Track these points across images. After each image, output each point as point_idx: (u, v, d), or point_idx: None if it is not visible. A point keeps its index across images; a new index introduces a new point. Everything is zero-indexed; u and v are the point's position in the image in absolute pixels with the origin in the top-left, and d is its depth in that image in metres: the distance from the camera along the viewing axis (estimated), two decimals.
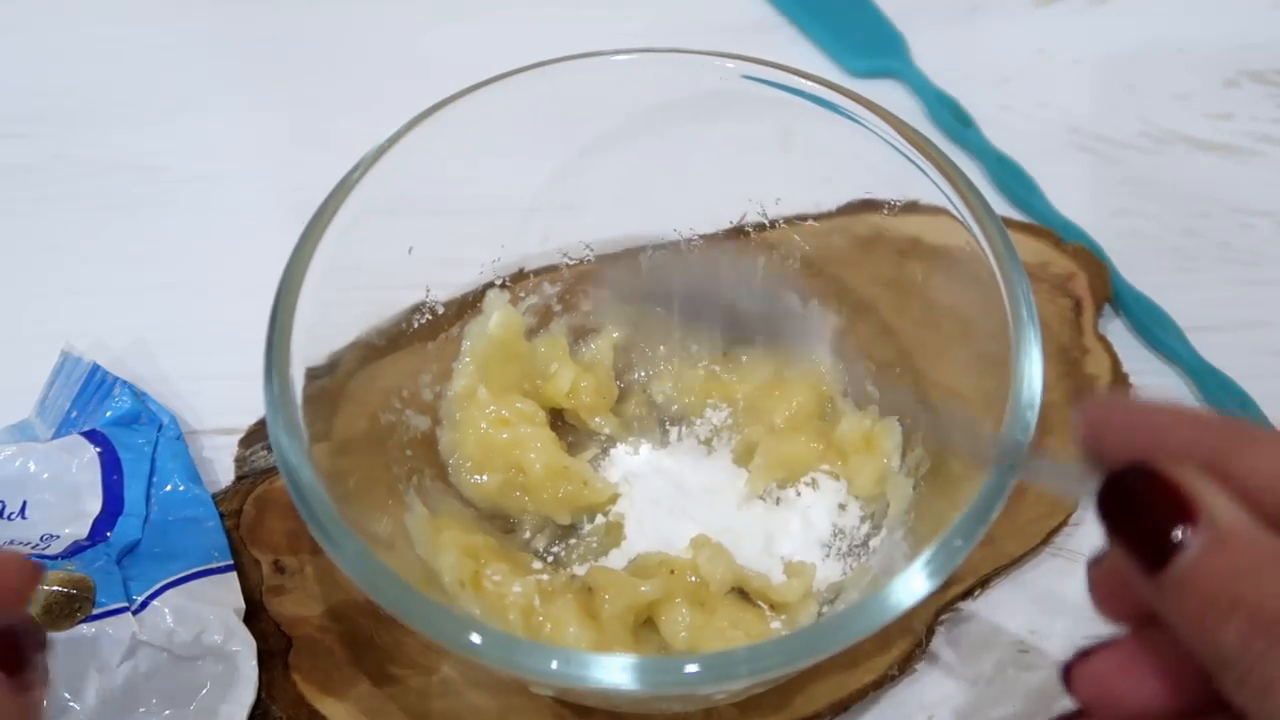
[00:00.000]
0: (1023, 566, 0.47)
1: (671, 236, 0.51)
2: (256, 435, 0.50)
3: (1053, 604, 0.47)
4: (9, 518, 0.46)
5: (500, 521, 0.47)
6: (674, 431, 0.50)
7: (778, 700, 0.43)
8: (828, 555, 0.46)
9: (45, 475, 0.46)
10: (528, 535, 0.47)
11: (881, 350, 0.47)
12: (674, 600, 0.42)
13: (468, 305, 0.49)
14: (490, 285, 0.49)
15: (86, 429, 0.48)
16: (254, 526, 0.46)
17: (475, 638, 0.32)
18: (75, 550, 0.45)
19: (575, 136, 0.48)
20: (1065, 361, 0.51)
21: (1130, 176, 0.62)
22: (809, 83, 0.44)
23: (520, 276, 0.50)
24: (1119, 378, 0.51)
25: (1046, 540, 0.47)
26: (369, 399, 0.44)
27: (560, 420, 0.50)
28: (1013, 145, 0.62)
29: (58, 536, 0.45)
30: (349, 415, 0.42)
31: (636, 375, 0.51)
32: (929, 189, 0.42)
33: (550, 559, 0.46)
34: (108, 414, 0.49)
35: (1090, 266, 0.55)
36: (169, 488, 0.48)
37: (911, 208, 0.43)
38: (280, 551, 0.46)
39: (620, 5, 0.69)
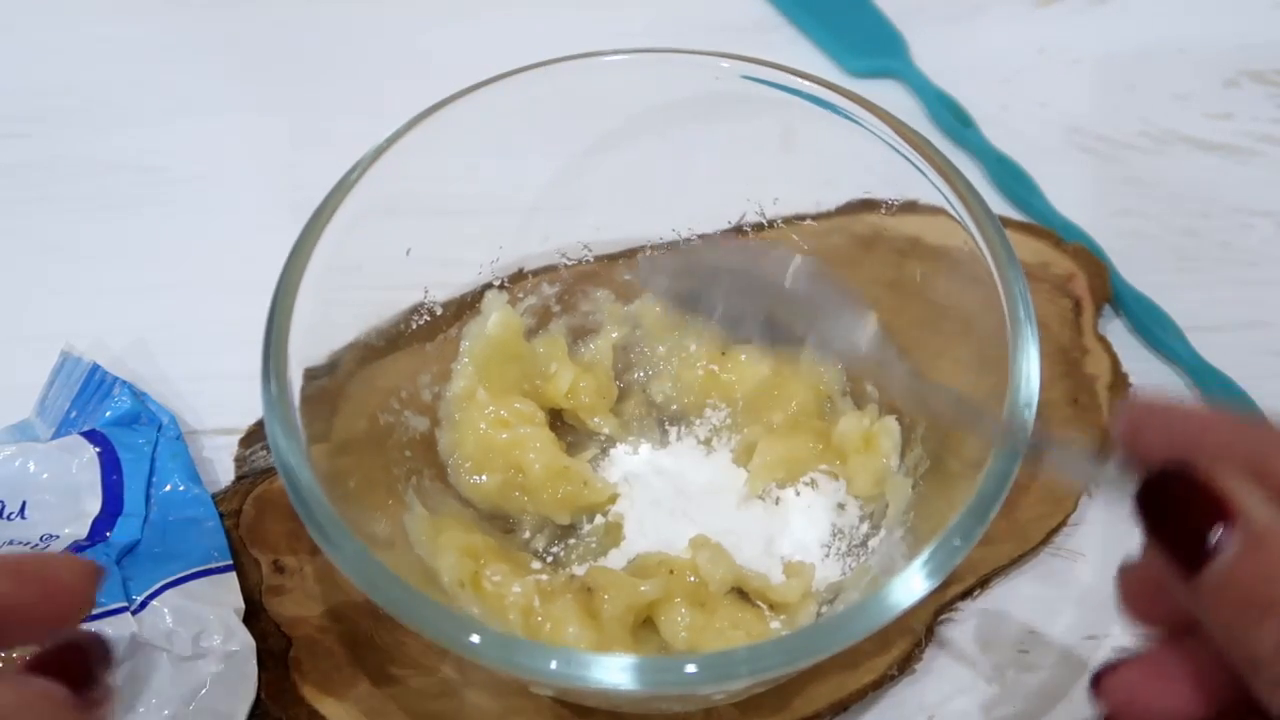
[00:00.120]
0: (1023, 566, 0.47)
1: (670, 237, 0.51)
2: (256, 435, 0.50)
3: (1053, 604, 0.47)
4: (9, 518, 0.46)
5: (500, 522, 0.47)
6: (673, 431, 0.50)
7: (777, 700, 0.43)
8: (827, 555, 0.46)
9: (45, 475, 0.46)
10: (527, 535, 0.47)
11: None
12: (674, 600, 0.42)
13: (466, 306, 0.49)
14: (489, 286, 0.49)
15: (86, 429, 0.48)
16: (254, 526, 0.46)
17: (475, 638, 0.32)
18: (75, 550, 0.45)
19: (575, 136, 0.48)
20: (1065, 362, 0.51)
21: (1130, 176, 0.62)
22: (809, 83, 0.44)
23: (519, 277, 0.50)
24: (1119, 378, 0.51)
25: (1046, 540, 0.47)
26: (368, 400, 0.44)
27: (559, 420, 0.50)
28: (1013, 145, 0.62)
29: (57, 536, 0.45)
30: (348, 416, 0.42)
31: (636, 375, 0.51)
32: (928, 189, 0.42)
33: (550, 559, 0.46)
34: (107, 414, 0.49)
35: (1090, 267, 0.55)
36: (169, 488, 0.48)
37: (910, 208, 0.43)
38: (280, 551, 0.46)
39: (620, 5, 0.69)
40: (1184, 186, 0.61)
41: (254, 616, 0.44)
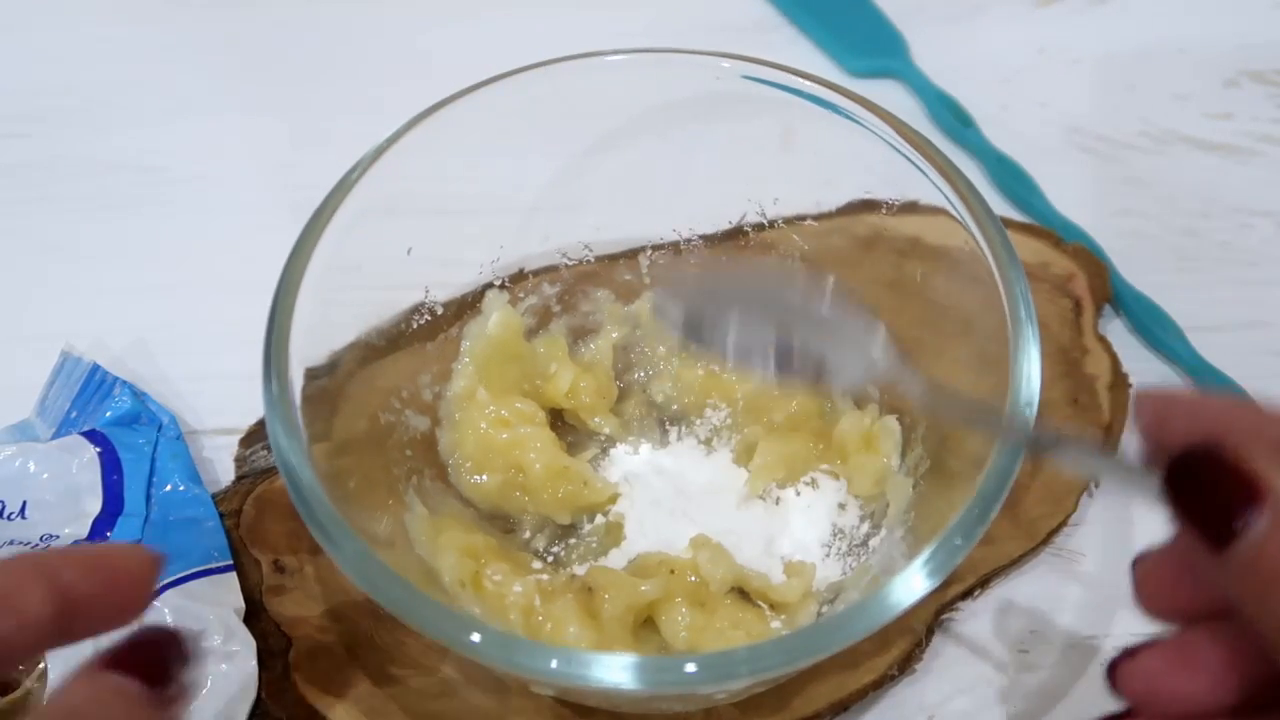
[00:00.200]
0: (1023, 566, 0.47)
1: (671, 237, 0.51)
2: (256, 435, 0.50)
3: (1053, 604, 0.47)
4: (9, 518, 0.46)
5: (500, 521, 0.47)
6: (674, 431, 0.50)
7: (778, 700, 0.43)
8: (827, 555, 0.46)
9: (45, 475, 0.46)
10: (528, 535, 0.47)
11: None
12: (674, 600, 0.42)
13: (467, 306, 0.49)
14: (489, 286, 0.49)
15: (86, 429, 0.48)
16: (254, 526, 0.46)
17: (475, 637, 0.32)
18: None
19: (575, 136, 0.48)
20: (1065, 362, 0.51)
21: (1130, 176, 0.62)
22: (809, 83, 0.44)
23: (519, 277, 0.50)
24: (1119, 378, 0.51)
25: (1046, 540, 0.47)
26: (368, 399, 0.44)
27: (560, 420, 0.50)
28: (1013, 145, 0.62)
29: (58, 537, 0.45)
30: (348, 415, 0.42)
31: (636, 375, 0.51)
32: (928, 189, 0.42)
33: (550, 559, 0.46)
34: (108, 414, 0.49)
35: (1090, 267, 0.55)
36: (169, 488, 0.48)
37: (911, 208, 0.43)
38: (280, 551, 0.46)
39: (620, 5, 0.69)
40: (1184, 186, 0.61)
41: (254, 616, 0.44)
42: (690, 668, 0.32)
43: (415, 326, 0.47)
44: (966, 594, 0.45)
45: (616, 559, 0.46)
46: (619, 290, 0.51)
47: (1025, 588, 0.47)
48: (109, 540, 0.45)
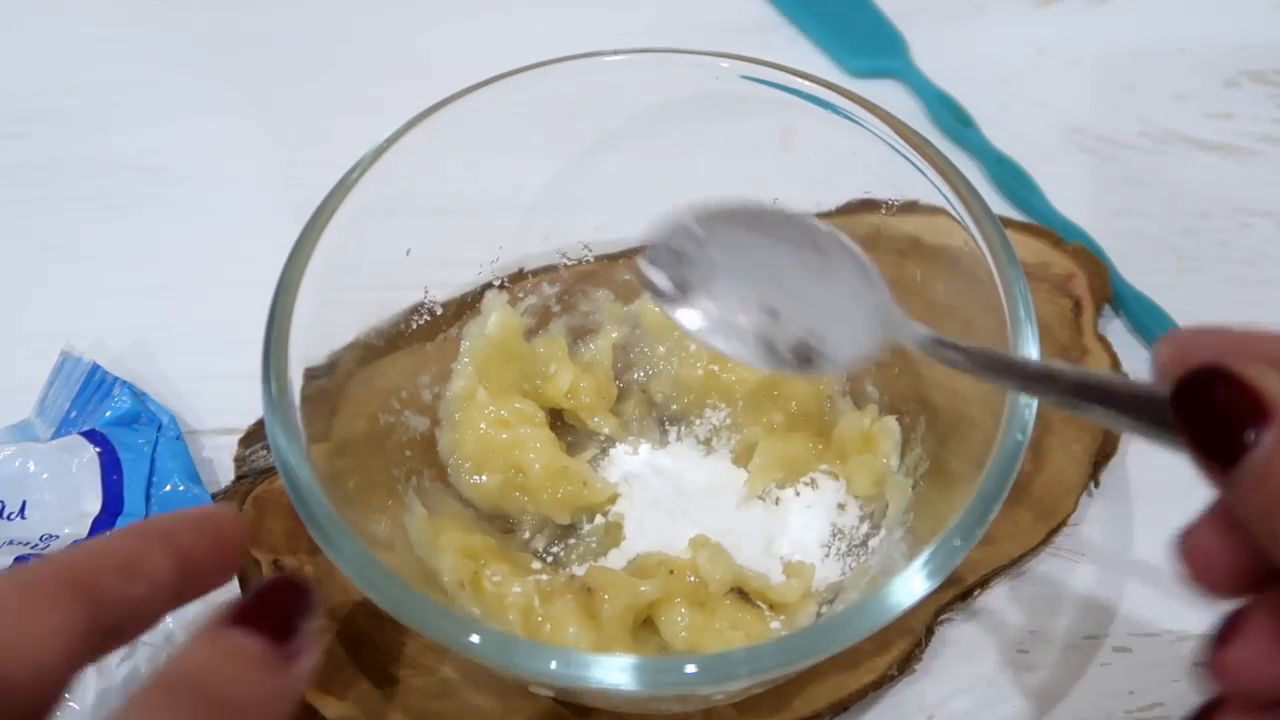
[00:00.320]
0: (1023, 566, 0.47)
1: None
2: (256, 435, 0.50)
3: (1053, 604, 0.47)
4: (9, 518, 0.46)
5: (500, 522, 0.47)
6: (673, 431, 0.50)
7: (777, 701, 0.43)
8: (827, 555, 0.46)
9: (45, 475, 0.46)
10: (527, 535, 0.47)
11: None
12: (673, 600, 0.42)
13: (466, 306, 0.49)
14: (489, 286, 0.49)
15: (86, 429, 0.48)
16: (254, 527, 0.46)
17: (475, 638, 0.32)
18: None
19: (574, 136, 0.48)
20: (1065, 361, 0.51)
21: (1130, 176, 0.62)
22: (808, 83, 0.44)
23: (519, 277, 0.50)
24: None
25: (1046, 540, 0.47)
26: (368, 400, 0.44)
27: (559, 421, 0.50)
28: (1013, 145, 0.62)
29: (57, 536, 0.45)
30: (348, 416, 0.42)
31: (635, 375, 0.51)
32: (928, 189, 0.42)
33: (550, 559, 0.46)
34: (107, 414, 0.49)
35: (1090, 266, 0.55)
36: (169, 488, 0.48)
37: (910, 208, 0.43)
38: (280, 551, 0.46)
39: (620, 5, 0.69)
40: (1184, 186, 0.61)
41: None
42: (690, 668, 0.32)
43: (415, 327, 0.47)
44: (966, 594, 0.45)
45: (616, 559, 0.46)
46: (619, 290, 0.51)
47: (1025, 588, 0.47)
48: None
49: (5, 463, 0.46)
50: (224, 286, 0.55)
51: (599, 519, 0.47)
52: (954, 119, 0.63)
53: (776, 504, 0.47)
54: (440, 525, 0.43)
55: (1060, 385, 0.29)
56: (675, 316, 0.37)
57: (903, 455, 0.45)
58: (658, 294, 0.38)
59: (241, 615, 0.27)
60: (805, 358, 0.36)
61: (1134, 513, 0.49)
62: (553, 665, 0.32)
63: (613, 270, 0.51)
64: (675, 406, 0.50)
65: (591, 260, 0.51)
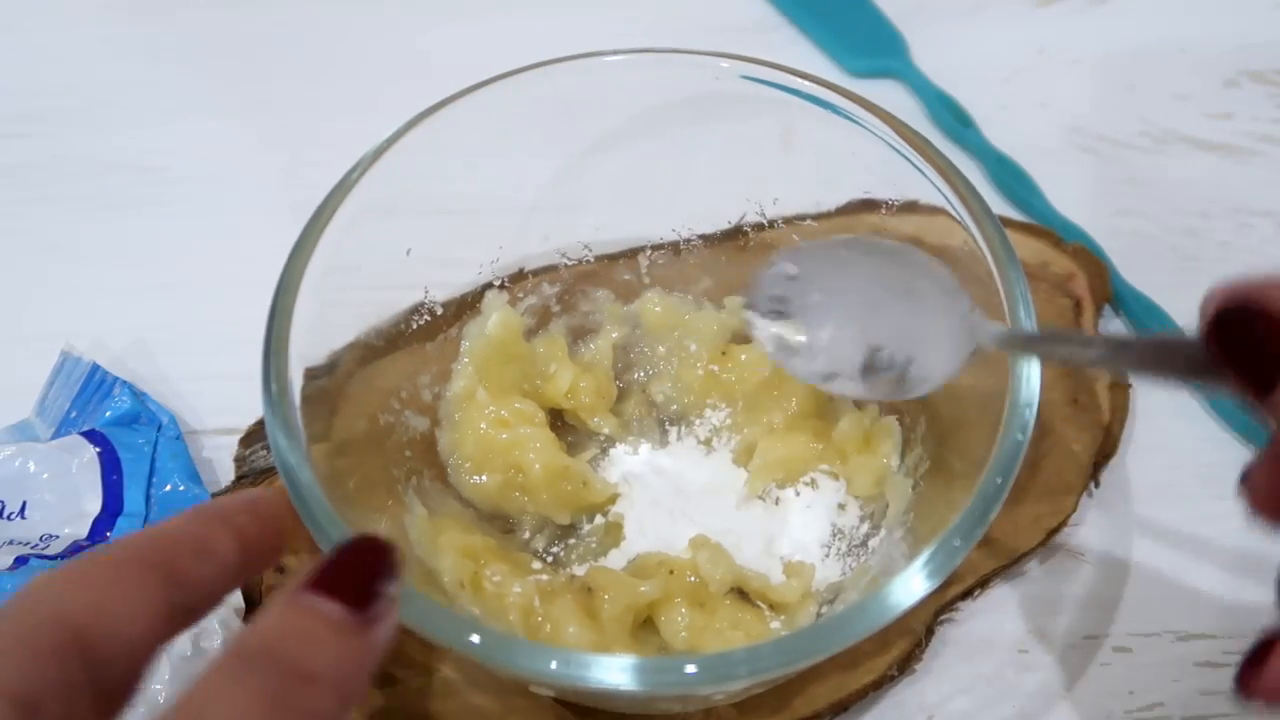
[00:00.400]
0: (1023, 566, 0.47)
1: (670, 237, 0.51)
2: (256, 435, 0.50)
3: (1053, 604, 0.47)
4: (9, 518, 0.46)
5: (500, 522, 0.47)
6: (673, 431, 0.50)
7: (777, 701, 0.43)
8: (827, 555, 0.46)
9: (45, 475, 0.46)
10: (527, 536, 0.47)
11: None
12: (673, 600, 0.42)
13: (466, 306, 0.49)
14: (489, 286, 0.49)
15: (86, 429, 0.48)
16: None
17: (475, 638, 0.32)
18: (75, 550, 0.45)
19: (574, 137, 0.48)
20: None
21: (1130, 176, 0.62)
22: (808, 83, 0.44)
23: (519, 277, 0.50)
24: (1119, 378, 0.51)
25: (1046, 540, 0.47)
26: (368, 400, 0.44)
27: (559, 421, 0.50)
28: (1013, 145, 0.62)
29: (57, 536, 0.45)
30: (348, 416, 0.42)
31: (635, 375, 0.51)
32: (927, 189, 0.42)
33: (550, 559, 0.46)
34: (107, 414, 0.49)
35: (1090, 266, 0.55)
36: (169, 488, 0.48)
37: (910, 208, 0.43)
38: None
39: (620, 5, 0.69)
40: (1184, 186, 0.61)
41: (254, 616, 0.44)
42: (689, 669, 0.32)
43: (415, 327, 0.47)
44: (966, 594, 0.45)
45: (616, 559, 0.46)
46: (619, 290, 0.51)
47: (1025, 588, 0.47)
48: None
49: (5, 463, 0.46)
50: (224, 286, 0.55)
51: (599, 519, 0.47)
52: (954, 119, 0.63)
53: (776, 504, 0.47)
54: (440, 525, 0.43)
55: (1130, 355, 0.31)
56: (792, 369, 0.37)
57: (903, 455, 0.45)
58: (769, 346, 0.38)
59: (320, 579, 0.27)
60: (905, 382, 0.36)
61: (1134, 513, 0.49)
62: (553, 665, 0.32)
63: (613, 270, 0.51)
64: (675, 406, 0.50)
65: (591, 260, 0.51)
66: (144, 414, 0.50)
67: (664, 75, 0.46)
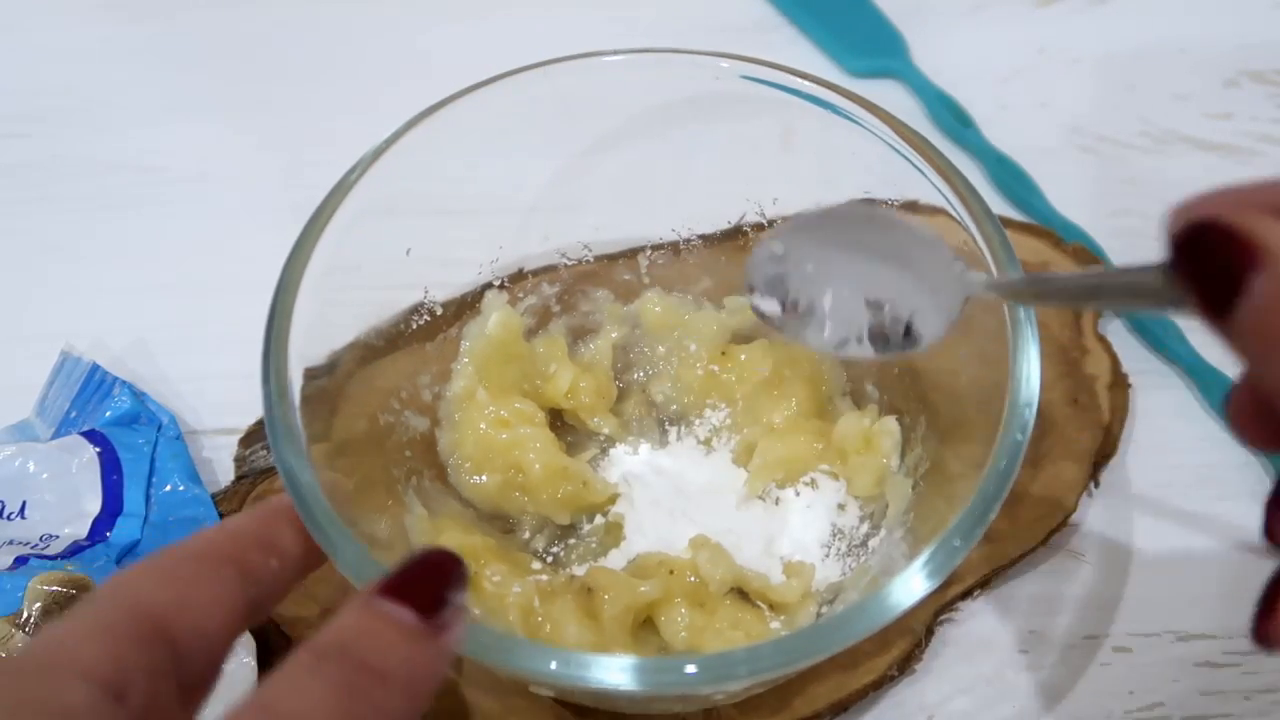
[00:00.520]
0: (1022, 566, 0.47)
1: (670, 237, 0.51)
2: (256, 435, 0.50)
3: (1053, 604, 0.47)
4: (9, 518, 0.46)
5: (499, 522, 0.47)
6: (673, 431, 0.50)
7: (778, 701, 0.43)
8: (827, 555, 0.46)
9: (45, 475, 0.46)
10: (527, 536, 0.47)
11: None
12: (673, 600, 0.42)
13: (466, 306, 0.49)
14: (489, 286, 0.49)
15: (86, 429, 0.48)
16: None
17: (475, 638, 0.32)
18: (75, 550, 0.45)
19: (574, 137, 0.48)
20: (1065, 361, 0.51)
21: (1130, 176, 0.62)
22: (808, 83, 0.44)
23: (519, 277, 0.50)
24: (1119, 378, 0.51)
25: (1046, 540, 0.47)
26: (368, 400, 0.44)
27: (559, 421, 0.50)
28: (1013, 145, 0.62)
29: (57, 536, 0.45)
30: (348, 416, 0.42)
31: (635, 375, 0.51)
32: (928, 189, 0.42)
33: (550, 559, 0.46)
34: (107, 414, 0.49)
35: (1090, 266, 0.55)
36: (169, 488, 0.48)
37: (910, 208, 0.43)
38: None
39: (620, 5, 0.69)
40: (1184, 186, 0.60)
41: None
42: (689, 669, 0.32)
43: (414, 327, 0.47)
44: (966, 594, 0.45)
45: (616, 559, 0.46)
46: (618, 290, 0.51)
47: (1025, 588, 0.47)
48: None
49: (5, 463, 0.46)
50: (224, 286, 0.55)
51: (599, 519, 0.47)
52: (954, 119, 0.63)
53: (776, 504, 0.47)
54: (440, 525, 0.43)
55: (1105, 289, 0.30)
56: (802, 339, 0.38)
57: (903, 455, 0.45)
58: (775, 325, 0.38)
59: (391, 586, 0.28)
60: (912, 335, 0.36)
61: (1134, 513, 0.49)
62: (552, 666, 0.32)
63: (612, 270, 0.51)
64: (675, 406, 0.50)
65: (591, 260, 0.51)
66: (144, 414, 0.50)
67: (664, 75, 0.46)
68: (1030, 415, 0.36)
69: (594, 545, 0.47)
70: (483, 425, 0.46)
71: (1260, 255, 0.24)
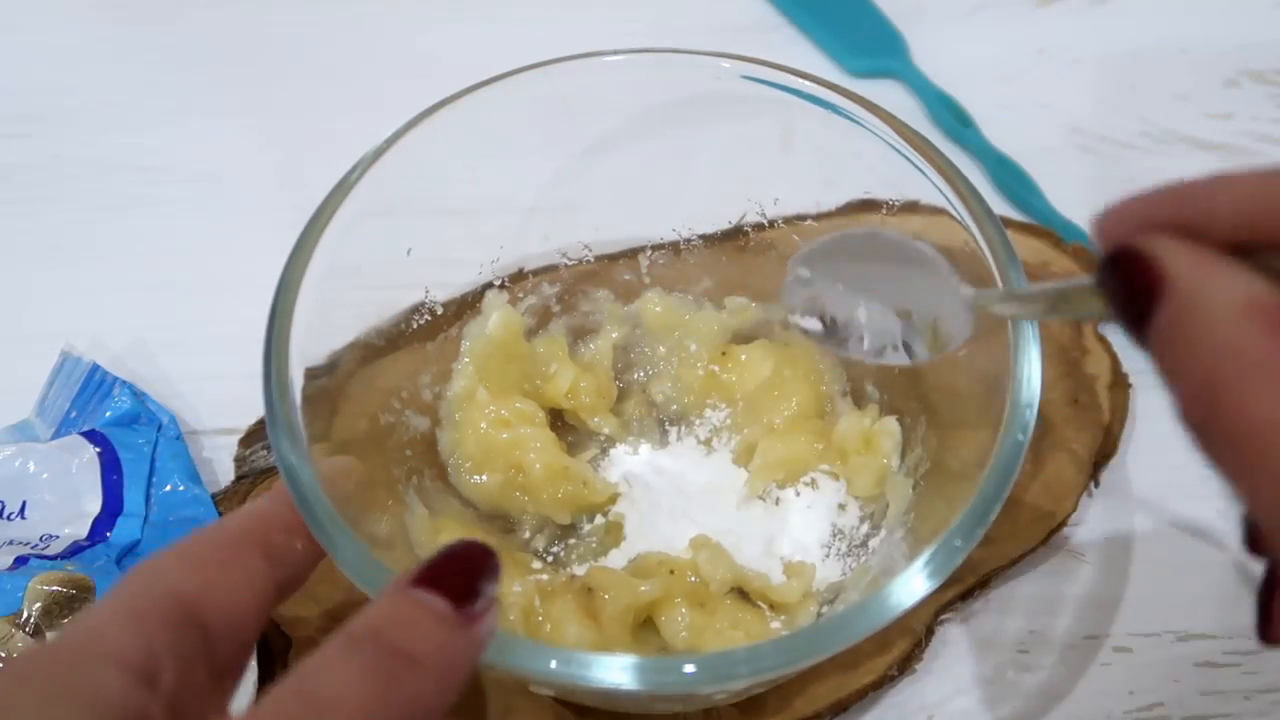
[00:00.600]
0: (1022, 566, 0.47)
1: (671, 237, 0.51)
2: (256, 435, 0.50)
3: (1053, 604, 0.47)
4: (9, 518, 0.46)
5: (500, 522, 0.47)
6: (673, 431, 0.50)
7: (778, 701, 0.43)
8: (827, 556, 0.46)
9: (45, 475, 0.46)
10: (527, 535, 0.47)
11: None
12: (674, 600, 0.42)
13: (467, 306, 0.49)
14: (489, 286, 0.49)
15: (86, 429, 0.48)
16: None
17: None
18: (75, 550, 0.45)
19: (574, 137, 0.48)
20: (1065, 361, 0.51)
21: (1130, 176, 0.62)
22: (809, 83, 0.44)
23: (519, 277, 0.50)
24: (1119, 378, 0.51)
25: (1046, 540, 0.47)
26: (368, 399, 0.44)
27: (560, 420, 0.50)
28: (1013, 145, 0.62)
29: (57, 536, 0.45)
30: (348, 416, 0.42)
31: (636, 375, 0.51)
32: (928, 189, 0.42)
33: (550, 559, 0.46)
34: (107, 414, 0.49)
35: (1090, 266, 0.55)
36: (169, 488, 0.48)
37: (911, 208, 0.43)
38: None
39: (620, 5, 0.69)
40: None
41: None
42: (689, 668, 0.32)
43: (415, 326, 0.47)
44: (966, 594, 0.45)
45: (616, 559, 0.46)
46: (619, 290, 0.51)
47: (1025, 588, 0.47)
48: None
49: (5, 463, 0.46)
50: (224, 286, 0.55)
51: (599, 519, 0.47)
52: (954, 119, 0.63)
53: (777, 504, 0.47)
54: (441, 525, 0.43)
55: (1056, 304, 0.31)
56: (848, 353, 0.39)
57: (903, 456, 0.45)
58: (820, 341, 0.39)
59: (424, 576, 0.28)
60: (939, 337, 0.37)
61: (1134, 513, 0.49)
62: (553, 665, 0.32)
63: (613, 270, 0.51)
64: (676, 407, 0.50)
65: (592, 260, 0.51)
66: (144, 414, 0.50)
67: (664, 75, 0.46)
68: (1031, 416, 0.36)
69: (594, 545, 0.47)
70: (483, 425, 0.46)
71: (1163, 286, 0.25)
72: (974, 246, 0.40)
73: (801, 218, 0.49)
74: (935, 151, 0.42)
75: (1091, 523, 0.49)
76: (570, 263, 0.51)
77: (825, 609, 0.44)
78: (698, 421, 0.50)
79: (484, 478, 0.46)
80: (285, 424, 0.36)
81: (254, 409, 0.49)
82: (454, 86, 0.44)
